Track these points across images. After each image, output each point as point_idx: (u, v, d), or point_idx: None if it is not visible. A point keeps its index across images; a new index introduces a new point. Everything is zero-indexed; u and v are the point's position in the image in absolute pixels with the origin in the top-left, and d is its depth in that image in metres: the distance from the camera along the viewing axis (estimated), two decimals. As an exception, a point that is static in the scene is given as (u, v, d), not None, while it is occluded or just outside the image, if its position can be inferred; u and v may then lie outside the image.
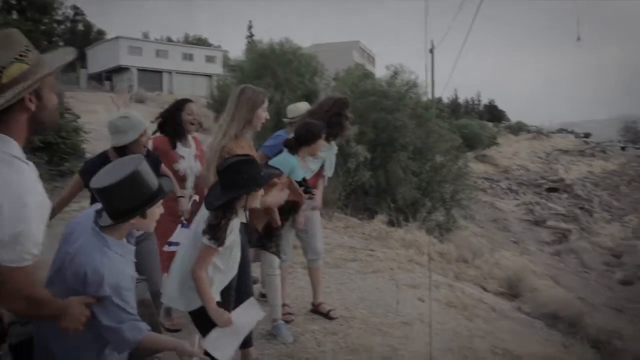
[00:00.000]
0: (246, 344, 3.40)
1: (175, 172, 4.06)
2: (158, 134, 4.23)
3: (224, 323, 2.71)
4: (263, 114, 3.50)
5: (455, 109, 67.99)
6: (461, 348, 4.35)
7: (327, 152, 4.49)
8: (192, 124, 4.25)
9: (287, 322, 4.34)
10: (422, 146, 12.15)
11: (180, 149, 4.21)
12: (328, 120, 4.30)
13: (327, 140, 4.36)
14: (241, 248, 3.09)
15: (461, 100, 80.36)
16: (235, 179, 2.69)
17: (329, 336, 4.32)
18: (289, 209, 3.88)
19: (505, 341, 4.87)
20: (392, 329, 4.59)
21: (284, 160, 3.91)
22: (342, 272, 6.17)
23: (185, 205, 4.07)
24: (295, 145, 4.03)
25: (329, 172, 4.69)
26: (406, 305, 5.27)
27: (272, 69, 13.93)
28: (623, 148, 72.21)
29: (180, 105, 4.29)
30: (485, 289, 8.18)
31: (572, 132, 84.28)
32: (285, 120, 4.81)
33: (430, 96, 11.94)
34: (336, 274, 6.08)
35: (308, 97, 12.94)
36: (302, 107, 4.73)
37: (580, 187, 52.78)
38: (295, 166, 3.95)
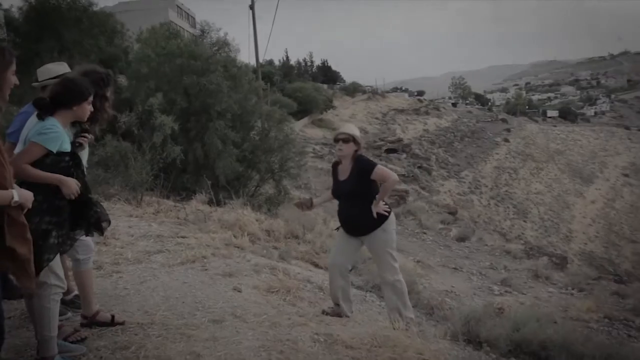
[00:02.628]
0: None
1: None
2: None
3: None
4: (12, 77, 2.81)
5: (287, 71, 68.85)
6: (277, 342, 4.08)
7: None
8: None
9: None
10: (242, 112, 11.74)
11: None
12: None
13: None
14: None
15: (293, 62, 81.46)
16: None
17: (119, 352, 3.78)
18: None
19: (330, 324, 4.73)
20: (197, 331, 4.18)
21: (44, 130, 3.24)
22: (144, 268, 5.65)
23: None
24: (49, 107, 3.34)
25: None
26: (218, 299, 4.91)
27: (55, 30, 12.51)
28: (454, 104, 79.08)
29: None
30: (316, 265, 8.14)
31: (405, 91, 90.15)
32: (34, 85, 4.08)
33: (254, 56, 11.59)
34: (136, 271, 5.53)
35: (106, 62, 11.92)
36: (55, 68, 4.05)
37: (417, 146, 56.91)
38: (58, 133, 3.27)
